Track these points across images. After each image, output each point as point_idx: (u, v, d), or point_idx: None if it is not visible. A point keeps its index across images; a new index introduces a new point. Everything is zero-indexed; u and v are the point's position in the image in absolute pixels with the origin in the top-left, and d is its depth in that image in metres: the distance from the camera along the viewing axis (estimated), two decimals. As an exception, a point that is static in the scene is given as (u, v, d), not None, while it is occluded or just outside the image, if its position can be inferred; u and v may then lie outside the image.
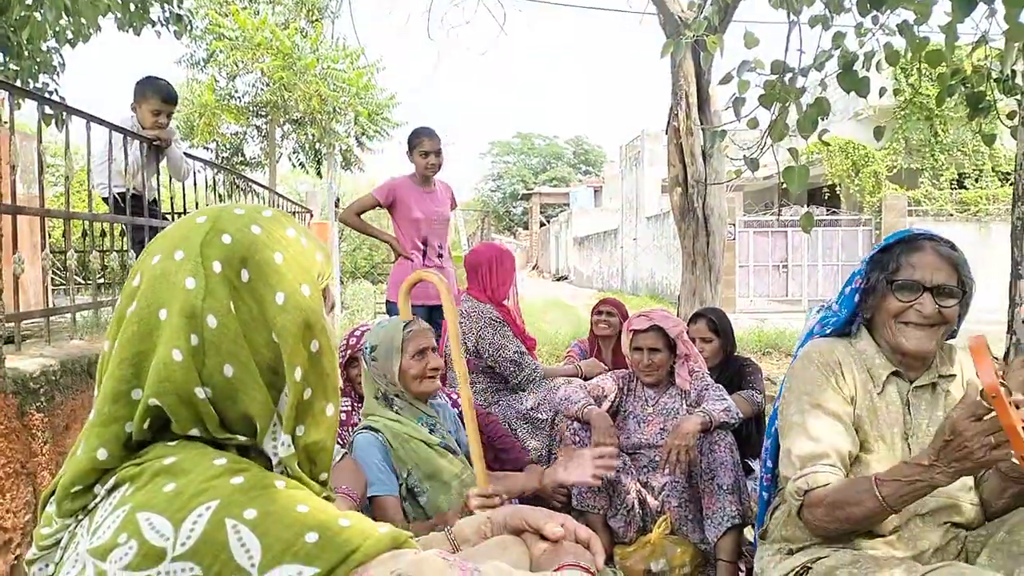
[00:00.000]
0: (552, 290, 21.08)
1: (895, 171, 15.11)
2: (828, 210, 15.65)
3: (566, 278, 28.22)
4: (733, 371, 3.39)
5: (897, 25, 4.69)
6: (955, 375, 1.72)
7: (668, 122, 6.98)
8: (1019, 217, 2.97)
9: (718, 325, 3.35)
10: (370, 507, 2.16)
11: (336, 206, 13.79)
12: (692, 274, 7.02)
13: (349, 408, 2.76)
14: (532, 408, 3.26)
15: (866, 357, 1.71)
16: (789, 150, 3.78)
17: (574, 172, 40.71)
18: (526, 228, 38.01)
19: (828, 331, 1.81)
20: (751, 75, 3.79)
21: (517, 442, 3.03)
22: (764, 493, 1.93)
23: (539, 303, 15.33)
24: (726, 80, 3.69)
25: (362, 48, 13.68)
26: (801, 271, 15.23)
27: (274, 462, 0.91)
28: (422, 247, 4.31)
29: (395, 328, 2.26)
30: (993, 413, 1.27)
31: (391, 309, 4.17)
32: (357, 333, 2.79)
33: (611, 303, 4.11)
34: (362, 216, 4.38)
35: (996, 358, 1.40)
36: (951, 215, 14.30)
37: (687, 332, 3.43)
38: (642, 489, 2.87)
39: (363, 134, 14.82)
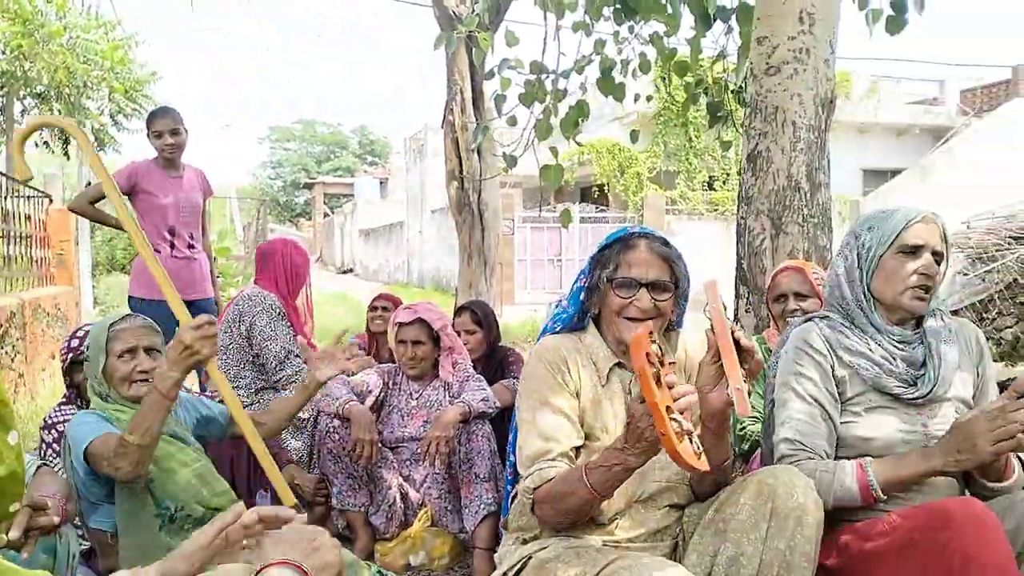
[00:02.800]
0: (337, 283, 20.57)
1: (655, 172, 16.43)
2: (597, 208, 16.67)
3: (352, 271, 27.67)
4: (497, 361, 3.47)
5: (649, 35, 5.07)
6: (676, 362, 1.85)
7: (444, 116, 7.05)
8: (742, 216, 3.30)
9: (481, 317, 3.41)
10: (87, 468, 1.95)
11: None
12: (468, 267, 7.16)
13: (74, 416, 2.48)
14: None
15: (592, 351, 1.80)
16: (550, 149, 3.96)
17: (359, 162, 39.97)
18: (309, 219, 36.78)
19: (559, 327, 1.88)
20: (512, 73, 3.91)
21: (275, 443, 2.91)
22: (508, 485, 1.98)
23: (323, 297, 14.90)
24: (488, 77, 3.78)
25: (118, 19, 12.39)
26: (574, 264, 16.09)
27: None
28: (169, 237, 3.94)
29: (103, 325, 2.06)
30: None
31: (134, 307, 3.78)
32: (79, 334, 2.52)
33: (387, 298, 4.06)
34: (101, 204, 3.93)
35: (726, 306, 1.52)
36: (702, 214, 15.79)
37: (452, 325, 3.48)
38: (404, 483, 2.85)
39: (119, 112, 13.48)
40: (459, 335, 3.43)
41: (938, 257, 1.78)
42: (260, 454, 2.00)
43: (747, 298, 3.26)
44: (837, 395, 1.79)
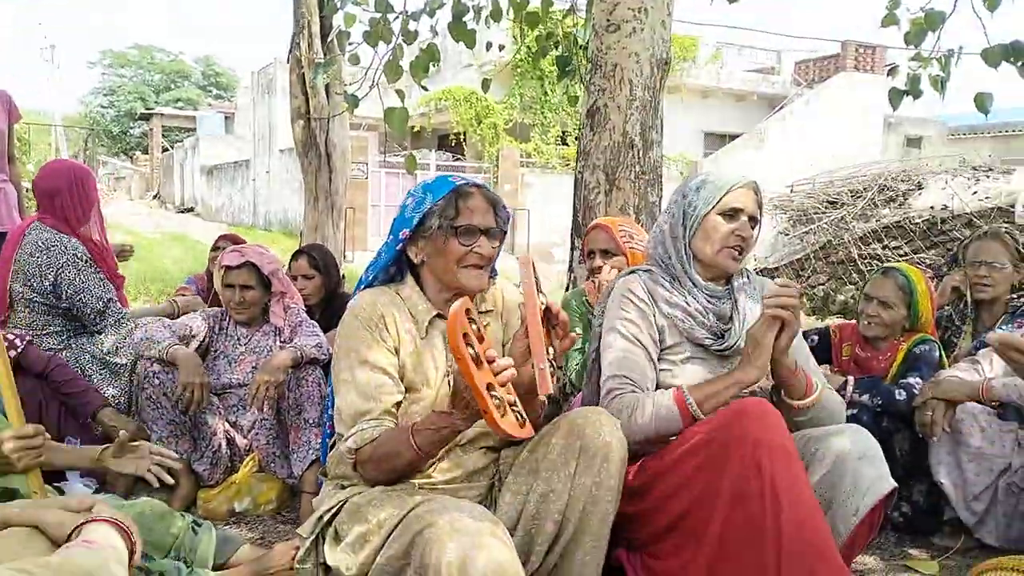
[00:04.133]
0: (177, 223, 19.35)
1: (511, 124, 16.52)
2: (454, 157, 16.59)
3: (192, 210, 26.10)
4: (336, 308, 3.41)
5: (503, -18, 5.02)
6: (493, 310, 1.88)
7: (290, 51, 6.70)
8: (580, 171, 3.39)
9: (319, 262, 3.33)
10: None
11: None
12: (315, 210, 6.92)
13: None
14: (110, 351, 2.94)
15: (411, 304, 1.79)
16: (396, 91, 3.87)
17: (203, 95, 37.39)
18: (146, 152, 34.16)
19: (371, 277, 1.86)
20: (357, 10, 3.77)
21: (91, 386, 2.72)
22: (327, 434, 1.97)
23: (161, 237, 14.00)
24: (333, 11, 3.62)
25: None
26: (428, 212, 16.00)
27: None
28: None
29: None
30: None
31: None
32: None
33: (230, 238, 3.87)
34: None
35: (539, 279, 1.56)
36: (555, 168, 16.10)
37: (289, 269, 3.37)
38: (230, 429, 2.77)
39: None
40: (295, 280, 3.34)
41: (753, 222, 1.92)
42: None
43: (581, 249, 3.38)
44: (658, 341, 1.90)
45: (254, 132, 22.13)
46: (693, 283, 1.92)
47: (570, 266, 3.47)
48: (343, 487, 1.73)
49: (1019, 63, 3.39)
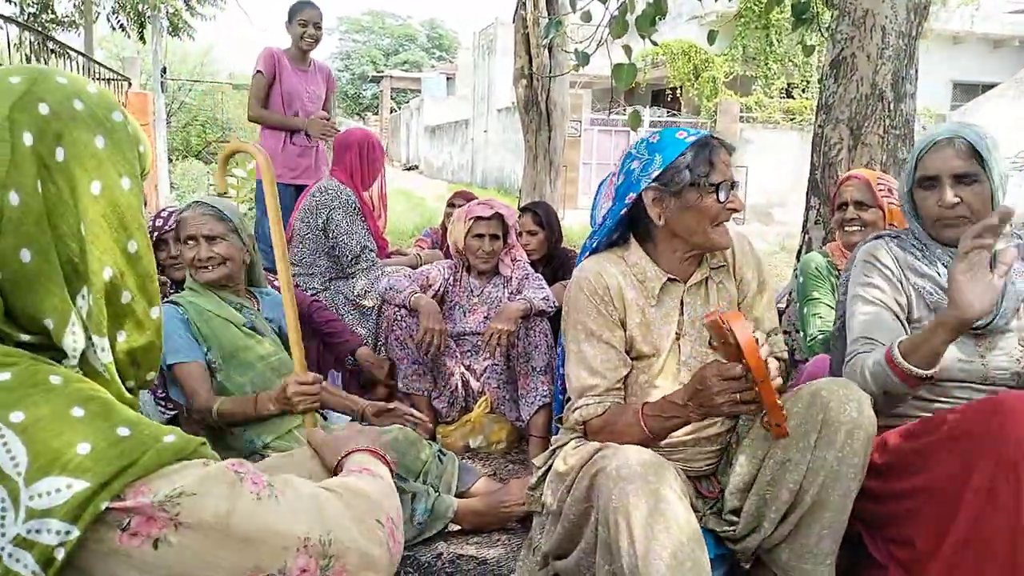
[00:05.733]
0: (402, 180, 20.71)
1: (732, 77, 15.78)
2: (668, 112, 16.20)
3: (416, 168, 27.76)
4: (558, 263, 3.52)
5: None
6: (724, 265, 1.82)
7: (515, 11, 6.87)
8: (820, 125, 3.21)
9: (543, 218, 3.44)
10: (170, 377, 2.13)
11: (163, 75, 12.64)
12: (534, 168, 7.11)
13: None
14: (359, 295, 3.27)
15: (638, 270, 1.75)
16: (623, 47, 3.85)
17: (427, 57, 39.43)
18: (376, 113, 36.73)
19: (595, 243, 1.83)
20: (591, -33, 3.78)
21: (347, 327, 3.04)
22: (558, 386, 2.05)
23: (389, 191, 15.06)
24: (567, -30, 3.67)
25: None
26: (641, 170, 15.80)
27: (71, 360, 0.84)
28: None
29: (174, 213, 2.18)
30: (744, 377, 1.40)
31: (259, 189, 4.09)
32: (164, 214, 2.65)
33: (464, 196, 4.12)
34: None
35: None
36: (778, 123, 15.22)
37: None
38: (465, 372, 2.98)
39: (194, -3, 13.54)
40: (520, 235, 3.48)
41: (966, 178, 1.70)
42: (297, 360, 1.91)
43: (818, 209, 3.21)
44: (906, 310, 1.78)
45: (474, 92, 22.94)
46: (941, 255, 1.77)
47: (804, 227, 3.31)
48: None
49: None
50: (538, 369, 2.79)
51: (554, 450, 1.77)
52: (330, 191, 3.31)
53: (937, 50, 16.09)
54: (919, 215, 1.80)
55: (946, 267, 1.75)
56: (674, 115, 16.18)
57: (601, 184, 2.45)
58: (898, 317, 1.75)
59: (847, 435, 1.51)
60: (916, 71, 3.15)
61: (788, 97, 16.03)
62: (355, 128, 3.76)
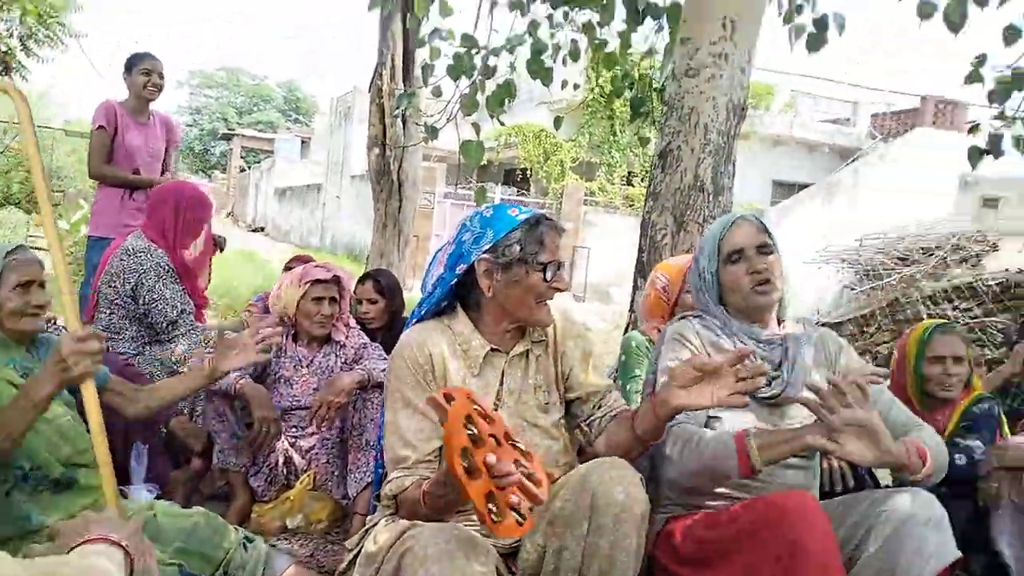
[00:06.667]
0: (247, 241, 19.96)
1: (578, 163, 16.62)
2: (519, 191, 16.75)
3: (263, 230, 26.90)
4: (397, 333, 3.45)
5: (582, 23, 5.11)
6: (545, 340, 1.86)
7: (372, 80, 6.92)
8: (648, 211, 3.39)
9: (385, 286, 3.40)
10: None
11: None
12: (382, 237, 7.08)
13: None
14: (178, 362, 3.04)
15: (463, 339, 1.76)
16: (472, 125, 3.95)
17: (283, 118, 38.79)
18: (224, 171, 35.49)
19: (423, 311, 1.84)
20: (443, 44, 3.89)
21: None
22: (379, 460, 1.99)
23: (231, 255, 14.46)
24: (419, 45, 3.74)
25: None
26: (491, 245, 16.12)
27: None
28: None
29: None
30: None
31: (92, 246, 3.83)
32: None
33: (303, 259, 3.98)
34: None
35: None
36: (618, 208, 16.09)
37: (353, 292, 3.45)
38: (290, 449, 2.81)
39: (30, 37, 12.62)
40: (360, 303, 3.42)
41: (765, 248, 1.87)
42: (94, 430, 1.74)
43: (644, 290, 3.36)
44: None
45: (328, 157, 22.76)
46: (739, 331, 1.90)
47: (631, 307, 3.45)
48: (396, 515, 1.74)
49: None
50: (371, 444, 2.68)
51: (367, 530, 1.69)
52: (139, 253, 3.03)
53: (760, 151, 17.75)
54: (723, 293, 1.92)
55: (743, 343, 1.88)
56: (523, 194, 16.74)
57: (436, 253, 2.45)
58: None
59: (615, 520, 1.51)
60: (734, 166, 3.42)
61: (629, 184, 17.04)
62: (175, 183, 3.54)
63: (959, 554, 1.60)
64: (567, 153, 16.41)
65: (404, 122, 6.85)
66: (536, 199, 16.51)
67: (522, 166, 16.66)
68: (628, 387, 2.68)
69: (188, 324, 3.10)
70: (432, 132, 3.78)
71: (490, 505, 1.31)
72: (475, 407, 1.40)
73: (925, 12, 4.27)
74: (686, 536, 1.75)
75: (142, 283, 3.00)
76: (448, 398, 1.35)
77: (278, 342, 2.39)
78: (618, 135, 16.20)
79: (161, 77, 4.09)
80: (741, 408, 1.82)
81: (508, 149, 16.82)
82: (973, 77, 4.21)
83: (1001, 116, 4.11)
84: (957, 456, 2.37)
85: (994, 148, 4.08)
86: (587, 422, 1.84)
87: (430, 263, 2.46)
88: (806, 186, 17.00)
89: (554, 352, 1.86)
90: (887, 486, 2.39)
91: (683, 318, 2.00)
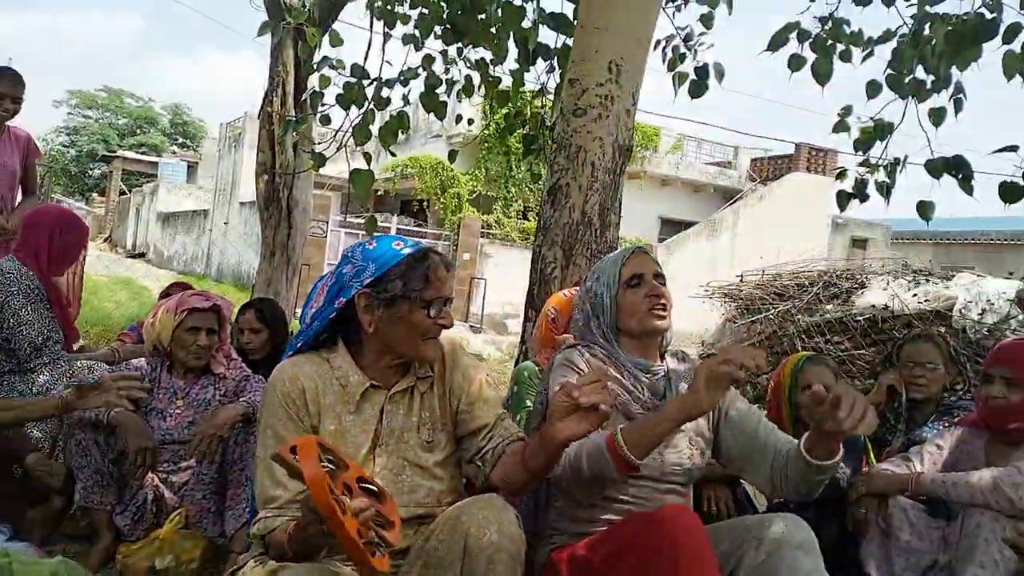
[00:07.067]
0: (125, 267, 18.97)
1: (475, 195, 16.75)
2: (415, 223, 16.71)
3: (143, 255, 25.64)
4: (283, 363, 3.37)
5: (476, 60, 5.20)
6: (431, 376, 1.81)
7: (262, 107, 6.77)
8: (538, 245, 3.45)
9: (268, 316, 3.29)
10: None
11: None
12: (270, 265, 6.87)
13: None
14: (40, 393, 2.84)
15: (340, 374, 1.70)
16: (363, 154, 3.93)
17: (168, 142, 37.23)
18: (103, 195, 33.65)
19: (299, 344, 1.78)
20: (333, 74, 3.86)
21: (15, 433, 2.61)
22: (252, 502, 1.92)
23: (107, 280, 13.71)
24: (309, 73, 3.71)
25: None
26: (385, 275, 15.95)
27: None
28: None
29: None
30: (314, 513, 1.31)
31: None
32: None
33: (183, 287, 3.81)
34: None
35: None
36: (515, 241, 16.29)
37: (236, 322, 3.33)
38: (160, 485, 2.67)
39: None
40: (243, 333, 3.30)
41: (660, 280, 1.98)
42: None
43: (534, 321, 3.41)
44: None
45: (216, 183, 22.04)
46: (627, 360, 1.95)
47: (522, 337, 3.49)
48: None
49: (959, 176, 3.59)
50: (251, 479, 2.57)
51: (233, 571, 1.62)
52: (7, 275, 2.87)
53: (649, 190, 18.47)
54: (619, 318, 1.97)
55: (632, 375, 1.93)
56: (420, 225, 16.71)
57: (316, 284, 2.41)
58: None
59: (488, 561, 1.48)
60: (620, 203, 3.54)
61: (524, 218, 17.31)
62: (51, 207, 3.38)
63: None
64: (464, 186, 16.51)
65: (295, 150, 6.73)
66: (433, 230, 16.51)
67: (419, 197, 16.63)
68: (519, 417, 2.70)
69: (53, 353, 2.92)
70: (320, 159, 3.73)
71: (362, 540, 1.28)
72: (327, 455, 1.35)
73: (796, 65, 4.61)
74: (570, 562, 1.76)
75: (8, 304, 2.82)
76: (293, 450, 1.30)
77: (140, 396, 2.28)
78: (514, 170, 16.45)
79: (16, 102, 3.77)
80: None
81: (405, 180, 16.78)
82: (840, 127, 4.55)
83: (866, 163, 4.44)
84: (821, 480, 2.50)
85: (860, 193, 4.39)
86: (480, 456, 1.78)
87: (310, 294, 2.41)
88: (692, 224, 17.79)
89: (441, 388, 1.81)
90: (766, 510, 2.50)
91: (572, 346, 2.04)
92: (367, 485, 1.41)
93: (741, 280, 8.57)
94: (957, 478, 2.31)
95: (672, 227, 18.85)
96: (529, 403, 2.70)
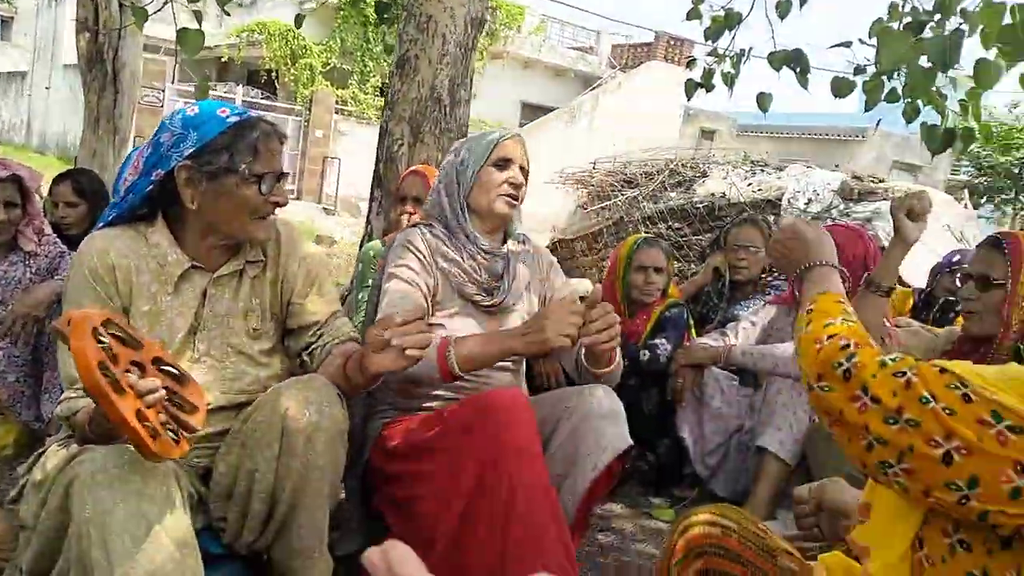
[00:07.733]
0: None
1: (329, 68, 15.86)
2: (263, 95, 15.69)
3: (-51, 120, 22.73)
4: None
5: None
6: (263, 260, 1.70)
7: (79, -47, 5.99)
8: (385, 121, 3.34)
9: (86, 189, 3.01)
10: None
11: None
12: (94, 134, 6.29)
13: None
14: None
15: (158, 252, 1.58)
16: (194, 12, 3.57)
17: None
18: None
19: (111, 217, 1.62)
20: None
21: None
22: None
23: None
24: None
25: None
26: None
27: None
28: None
29: None
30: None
31: None
32: None
33: None
34: None
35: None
36: (371, 119, 15.70)
37: (49, 194, 3.05)
38: (-34, 368, 2.47)
39: None
40: (57, 206, 3.02)
41: (524, 172, 1.99)
42: None
43: (380, 200, 3.34)
44: (432, 289, 1.91)
45: (35, 41, 19.64)
46: (468, 237, 1.95)
47: (367, 218, 3.41)
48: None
49: (798, 70, 3.74)
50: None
51: (39, 454, 1.53)
52: None
53: (510, 72, 18.17)
54: (465, 202, 1.95)
55: (471, 256, 1.93)
56: (269, 98, 15.71)
57: (132, 153, 2.21)
58: (426, 297, 1.89)
59: (307, 440, 1.47)
60: (471, 80, 3.45)
61: (381, 95, 16.64)
62: None
63: (631, 443, 1.79)
64: (318, 57, 15.55)
65: (120, 4, 6.04)
66: (284, 104, 15.58)
67: (267, 67, 15.53)
68: (360, 295, 2.67)
69: None
70: (142, 14, 3.35)
71: (144, 423, 1.21)
72: (114, 331, 1.26)
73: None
74: (401, 437, 1.79)
75: None
76: (70, 321, 1.21)
77: None
78: (371, 42, 15.65)
79: None
80: (463, 315, 1.91)
81: (252, 47, 15.57)
82: (693, 14, 4.58)
83: (713, 53, 4.53)
84: (642, 352, 2.68)
85: (706, 82, 4.50)
86: (308, 351, 1.73)
87: (123, 164, 2.22)
88: (551, 109, 17.79)
89: (274, 273, 1.71)
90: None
91: (414, 226, 2.01)
92: (168, 368, 1.34)
93: (594, 167, 8.74)
94: (764, 350, 2.53)
95: (533, 112, 18.78)
96: (372, 282, 2.68)
